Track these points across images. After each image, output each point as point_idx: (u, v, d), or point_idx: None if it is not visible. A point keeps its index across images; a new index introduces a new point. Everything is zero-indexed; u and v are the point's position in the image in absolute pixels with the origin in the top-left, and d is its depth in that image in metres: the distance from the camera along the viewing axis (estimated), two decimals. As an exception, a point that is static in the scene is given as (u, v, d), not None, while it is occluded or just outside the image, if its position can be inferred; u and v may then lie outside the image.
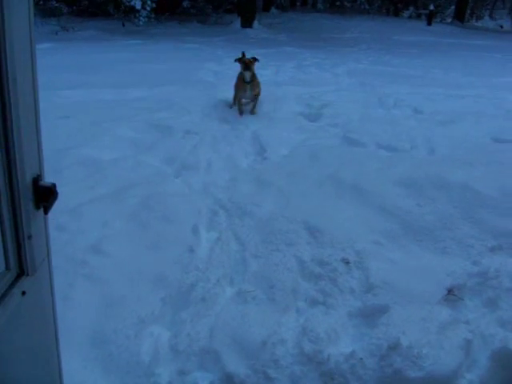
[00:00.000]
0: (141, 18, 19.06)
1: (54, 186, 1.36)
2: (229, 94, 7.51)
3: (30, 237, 1.34)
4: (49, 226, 1.52)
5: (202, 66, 11.45)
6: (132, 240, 3.76)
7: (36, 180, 1.34)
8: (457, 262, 3.43)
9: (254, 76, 7.24)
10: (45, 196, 1.35)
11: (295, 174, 4.72)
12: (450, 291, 3.16)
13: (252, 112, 7.16)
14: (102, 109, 7.13)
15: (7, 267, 1.33)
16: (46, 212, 1.40)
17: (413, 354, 2.63)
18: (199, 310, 3.07)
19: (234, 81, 7.40)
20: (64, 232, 3.71)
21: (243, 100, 7.28)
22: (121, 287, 3.22)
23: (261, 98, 7.53)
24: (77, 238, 3.69)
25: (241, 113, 7.16)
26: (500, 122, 6.66)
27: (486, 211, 3.86)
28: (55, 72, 9.40)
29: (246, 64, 7.15)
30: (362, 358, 2.67)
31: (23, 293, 1.34)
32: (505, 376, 2.63)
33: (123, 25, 19.67)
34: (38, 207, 1.36)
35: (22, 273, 1.37)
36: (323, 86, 9.34)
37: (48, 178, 1.44)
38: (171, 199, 4.35)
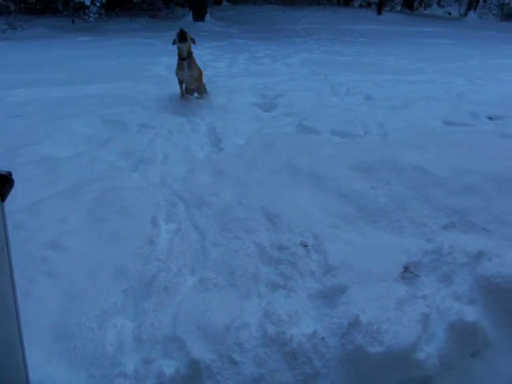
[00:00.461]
0: (91, 15, 18.82)
1: (9, 173, 1.37)
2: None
3: (-13, 225, 1.35)
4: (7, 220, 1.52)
5: (155, 60, 11.42)
6: (91, 235, 3.74)
7: (-10, 169, 1.35)
8: (412, 241, 3.51)
9: (191, 56, 7.03)
10: (1, 185, 1.36)
11: (251, 163, 4.75)
12: (406, 269, 3.23)
13: (200, 96, 7.17)
14: (54, 106, 7.05)
15: (-35, 256, 1.33)
16: (2, 199, 1.40)
17: (372, 330, 2.68)
18: (162, 299, 3.08)
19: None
20: (22, 229, 3.68)
21: (186, 84, 7.17)
22: (82, 281, 3.21)
23: (216, 89, 7.53)
24: (35, 234, 3.66)
25: (182, 96, 7.16)
26: (450, 106, 6.82)
27: (438, 191, 3.95)
28: (4, 71, 9.25)
29: (182, 34, 6.81)
30: (323, 337, 2.73)
31: (-18, 281, 1.35)
32: (461, 346, 2.72)
33: (73, 22, 19.38)
34: (-7, 196, 1.36)
35: (-20, 261, 1.38)
36: (277, 77, 9.42)
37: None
38: (129, 193, 4.33)
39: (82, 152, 5.32)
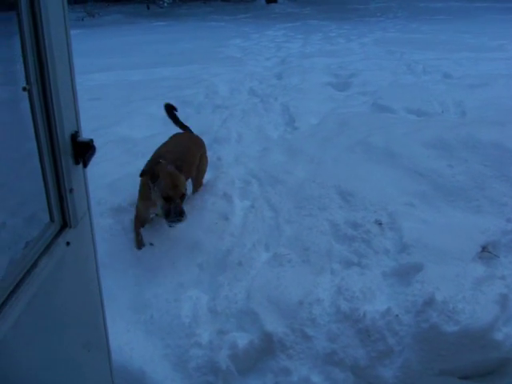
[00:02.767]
0: (165, 0, 19.10)
1: (91, 140, 1.42)
2: (257, 68, 7.51)
3: (71, 190, 1.41)
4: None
5: (228, 42, 11.49)
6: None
7: (74, 136, 1.41)
8: (490, 220, 3.41)
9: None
10: (83, 151, 1.42)
11: (326, 142, 4.72)
12: (484, 248, 3.15)
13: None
14: (131, 89, 7.23)
15: (51, 219, 1.40)
16: (85, 165, 1.46)
17: (448, 309, 2.64)
18: (236, 273, 3.13)
19: (260, 55, 7.36)
20: (100, 205, 3.80)
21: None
22: (158, 255, 3.30)
23: (289, 69, 7.46)
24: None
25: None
26: (532, 83, 6.55)
27: (519, 169, 3.82)
28: (84, 56, 9.51)
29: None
30: (397, 315, 2.70)
31: (67, 243, 1.42)
32: (542, 328, 2.64)
33: (148, 7, 19.75)
34: (77, 162, 1.43)
35: (65, 225, 1.44)
36: (351, 56, 9.31)
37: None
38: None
39: (158, 132, 5.41)
